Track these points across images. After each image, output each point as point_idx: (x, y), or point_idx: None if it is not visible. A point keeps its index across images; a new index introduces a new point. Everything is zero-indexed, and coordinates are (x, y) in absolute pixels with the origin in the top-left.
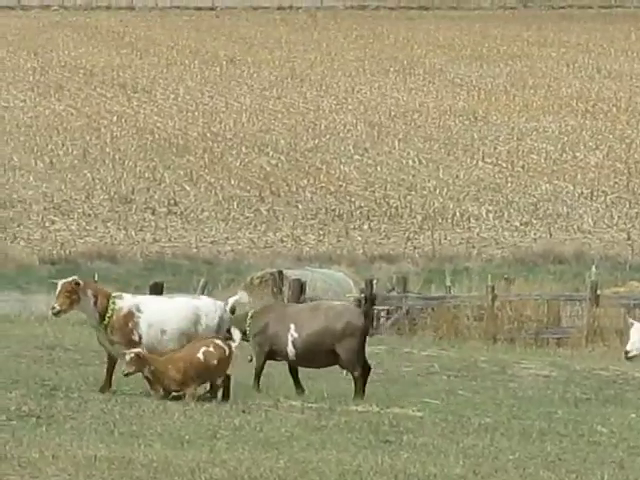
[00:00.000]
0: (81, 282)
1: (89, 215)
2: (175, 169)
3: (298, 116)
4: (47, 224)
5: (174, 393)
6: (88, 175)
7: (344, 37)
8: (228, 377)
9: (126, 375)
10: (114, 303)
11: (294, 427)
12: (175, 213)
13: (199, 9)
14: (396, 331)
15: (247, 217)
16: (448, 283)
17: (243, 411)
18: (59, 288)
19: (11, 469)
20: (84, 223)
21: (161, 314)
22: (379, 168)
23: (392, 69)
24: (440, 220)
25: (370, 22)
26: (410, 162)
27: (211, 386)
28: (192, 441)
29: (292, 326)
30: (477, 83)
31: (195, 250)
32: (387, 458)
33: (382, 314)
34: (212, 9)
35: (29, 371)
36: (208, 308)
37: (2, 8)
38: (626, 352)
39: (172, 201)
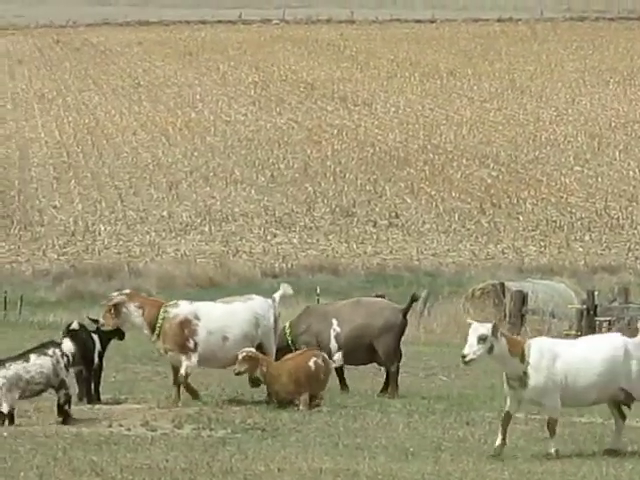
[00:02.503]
0: (122, 298)
1: (310, 228)
2: (396, 182)
3: (518, 128)
4: (269, 237)
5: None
6: (309, 188)
7: (564, 48)
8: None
9: (237, 374)
10: (166, 312)
11: (518, 439)
12: (396, 225)
13: (419, 21)
14: None
15: (468, 229)
16: None
17: (467, 423)
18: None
19: None
20: (305, 236)
21: (222, 320)
22: (600, 179)
23: (612, 80)
24: None
25: (590, 33)
26: (631, 173)
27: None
28: (416, 453)
29: (334, 321)
30: None
31: (416, 262)
32: (611, 469)
33: (604, 325)
34: (432, 21)
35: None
36: (263, 308)
37: (224, 23)
38: (463, 356)
39: (393, 214)
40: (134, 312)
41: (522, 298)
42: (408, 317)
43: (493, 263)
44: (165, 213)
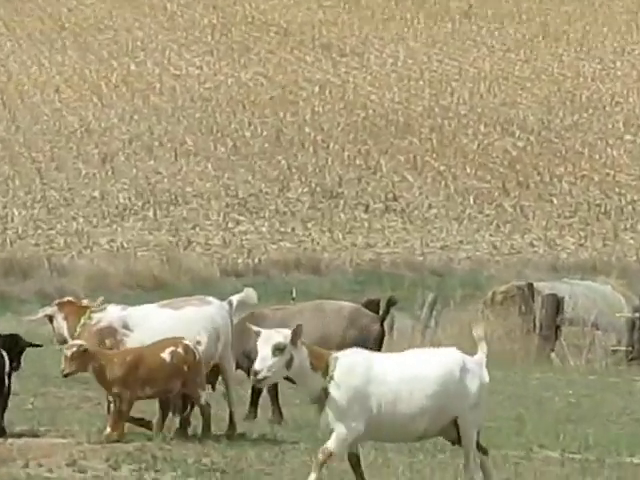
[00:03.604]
0: (52, 309)
1: (284, 213)
2: (394, 154)
3: (552, 85)
4: (230, 225)
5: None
6: (282, 162)
7: None
8: (208, 404)
9: (65, 375)
10: (89, 318)
11: None
12: (394, 210)
13: None
14: None
15: (487, 215)
16: None
17: None
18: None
19: None
20: (277, 224)
21: (165, 331)
22: None
23: None
24: None
25: None
26: None
27: (174, 411)
28: None
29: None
30: None
31: (420, 257)
32: None
33: None
34: None
35: (213, 413)
36: (223, 316)
37: None
38: (255, 372)
39: (390, 195)
40: (61, 324)
41: (556, 304)
42: (412, 325)
43: (519, 258)
44: (97, 194)
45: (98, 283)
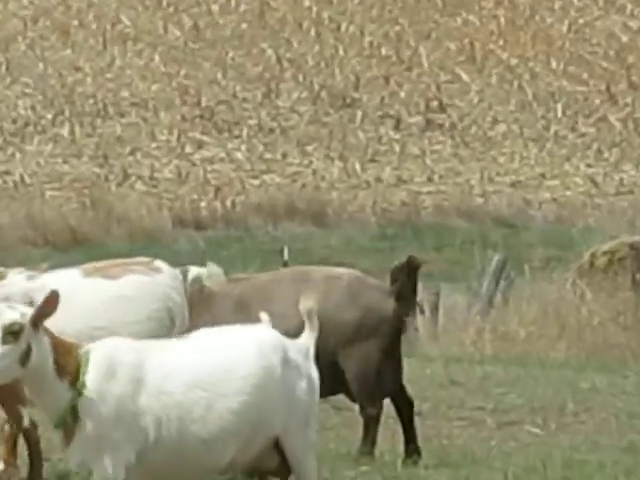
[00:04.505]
0: None
1: (271, 131)
2: (440, 40)
3: None
4: (188, 149)
5: None
6: (269, 52)
7: None
8: (34, 426)
9: None
10: None
11: None
12: (440, 127)
13: None
14: None
15: (583, 134)
16: None
17: None
18: None
19: None
20: (260, 147)
21: (94, 311)
22: None
23: None
24: None
25: None
26: None
27: None
28: None
29: (264, 317)
30: None
31: (480, 199)
32: None
33: None
34: None
35: None
36: (178, 288)
37: None
38: None
39: (434, 103)
40: None
41: None
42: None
43: (632, 202)
44: None
45: None
